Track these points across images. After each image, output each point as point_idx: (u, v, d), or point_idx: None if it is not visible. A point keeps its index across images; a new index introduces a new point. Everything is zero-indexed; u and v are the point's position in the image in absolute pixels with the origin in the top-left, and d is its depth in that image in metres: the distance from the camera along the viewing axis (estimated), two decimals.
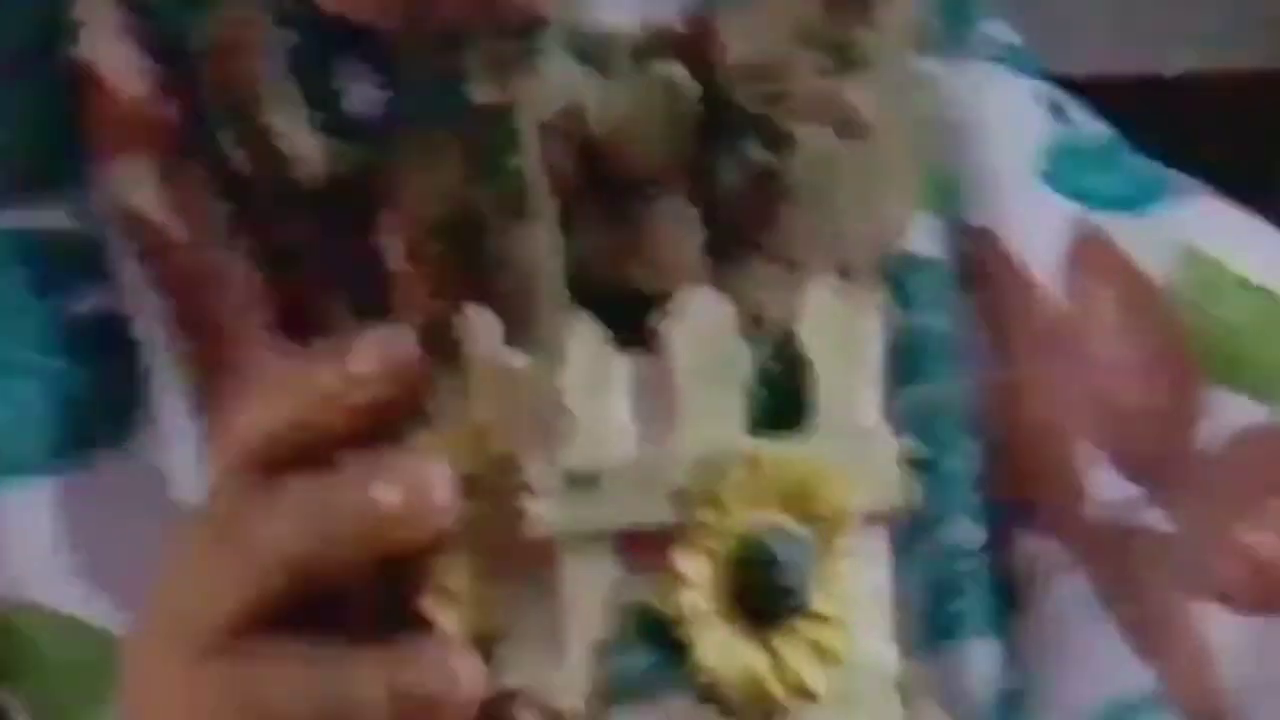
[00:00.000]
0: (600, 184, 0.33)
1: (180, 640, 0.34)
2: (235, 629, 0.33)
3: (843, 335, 0.33)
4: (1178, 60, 1.75)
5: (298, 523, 0.33)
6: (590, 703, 0.31)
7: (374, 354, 0.33)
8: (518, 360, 0.32)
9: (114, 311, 0.45)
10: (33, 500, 0.44)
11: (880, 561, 0.34)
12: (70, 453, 0.44)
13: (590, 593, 0.32)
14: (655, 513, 0.32)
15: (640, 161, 0.33)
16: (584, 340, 0.32)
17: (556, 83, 0.33)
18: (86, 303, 0.45)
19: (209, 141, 0.35)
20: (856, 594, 0.33)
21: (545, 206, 0.32)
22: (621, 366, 0.32)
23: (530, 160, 0.32)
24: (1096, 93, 0.54)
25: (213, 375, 0.44)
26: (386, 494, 0.32)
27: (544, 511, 0.31)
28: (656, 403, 0.32)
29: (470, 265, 0.32)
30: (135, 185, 0.44)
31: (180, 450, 0.44)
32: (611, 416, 0.32)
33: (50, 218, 0.45)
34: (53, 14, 0.46)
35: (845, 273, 0.34)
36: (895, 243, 0.35)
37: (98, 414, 0.45)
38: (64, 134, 0.46)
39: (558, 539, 0.32)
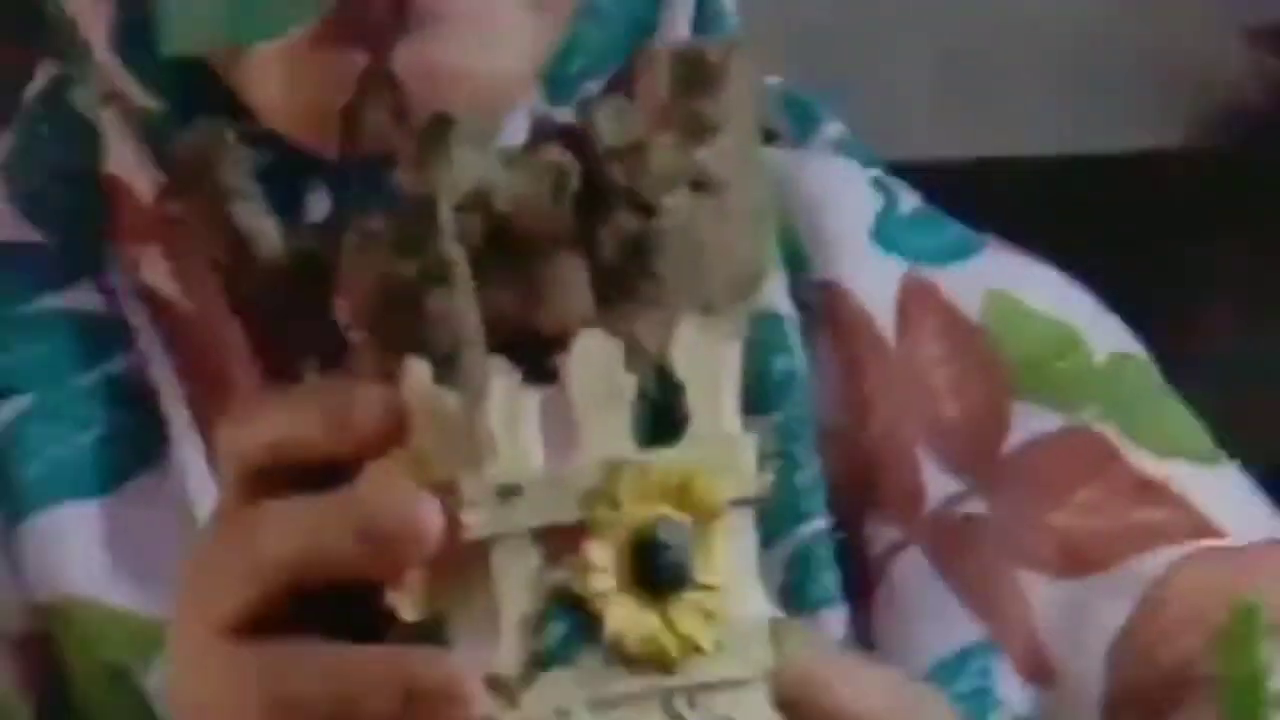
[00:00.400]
0: (505, 250, 0.42)
1: (201, 627, 0.42)
2: (243, 619, 0.41)
3: (707, 360, 0.41)
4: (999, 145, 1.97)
5: (289, 534, 0.41)
6: (522, 668, 0.40)
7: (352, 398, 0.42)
8: (449, 399, 0.40)
9: (139, 369, 0.58)
10: (85, 517, 0.57)
11: (748, 536, 0.42)
12: (112, 480, 0.58)
13: (518, 580, 0.40)
14: (566, 512, 0.40)
15: (537, 230, 0.42)
16: (501, 379, 0.40)
17: (467, 171, 0.42)
18: (118, 365, 0.59)
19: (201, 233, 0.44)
20: (731, 565, 0.41)
21: (462, 272, 0.41)
22: (532, 398, 0.41)
23: (448, 236, 0.41)
24: (920, 173, 0.68)
25: (214, 415, 0.55)
26: (381, 518, 0.41)
27: (477, 519, 0.40)
28: (562, 426, 0.41)
29: (405, 325, 0.41)
30: (150, 268, 0.58)
31: (195, 473, 0.56)
32: (527, 438, 0.40)
33: (86, 299, 0.59)
34: (90, 140, 0.59)
35: (708, 309, 0.42)
36: (752, 280, 0.44)
37: (132, 450, 0.58)
38: (96, 231, 0.59)
39: (490, 539, 0.40)
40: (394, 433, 0.41)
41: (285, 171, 0.53)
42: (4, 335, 0.59)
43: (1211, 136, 2.04)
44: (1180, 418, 0.63)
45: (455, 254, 0.41)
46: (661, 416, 0.42)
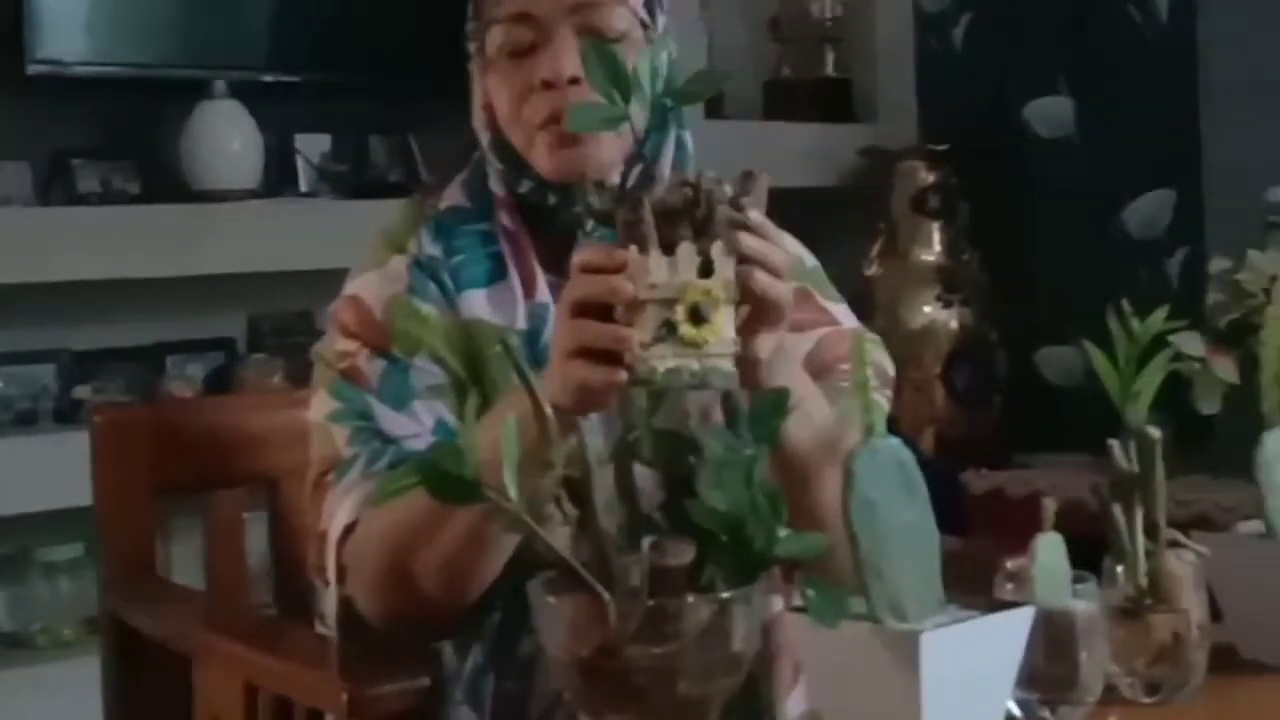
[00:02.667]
0: (666, 215, 1.11)
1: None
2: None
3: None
4: None
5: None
6: (651, 340, 1.05)
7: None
8: (645, 259, 1.07)
9: (501, 250, 1.45)
10: (479, 295, 1.42)
11: (730, 316, 1.09)
12: (487, 283, 1.43)
13: (655, 312, 1.07)
14: (674, 291, 1.05)
15: (676, 208, 1.13)
16: (656, 253, 1.08)
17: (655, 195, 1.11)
18: (495, 248, 1.46)
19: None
20: (722, 320, 1.06)
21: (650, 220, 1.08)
22: (662, 259, 1.07)
23: (649, 209, 1.09)
24: None
25: (524, 268, 1.43)
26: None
27: (647, 293, 1.06)
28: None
29: (642, 233, 1.07)
30: (506, 218, 1.46)
31: (517, 283, 1.42)
32: (669, 266, 1.06)
33: (484, 226, 1.46)
34: (484, 177, 1.49)
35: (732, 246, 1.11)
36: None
37: (497, 273, 1.44)
38: (488, 203, 1.46)
39: (648, 300, 1.06)
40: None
41: (542, 187, 1.41)
42: (460, 240, 1.43)
43: None
44: (832, 286, 1.49)
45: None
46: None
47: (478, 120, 1.44)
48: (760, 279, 1.12)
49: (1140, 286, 3.37)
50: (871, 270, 3.49)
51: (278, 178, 3.08)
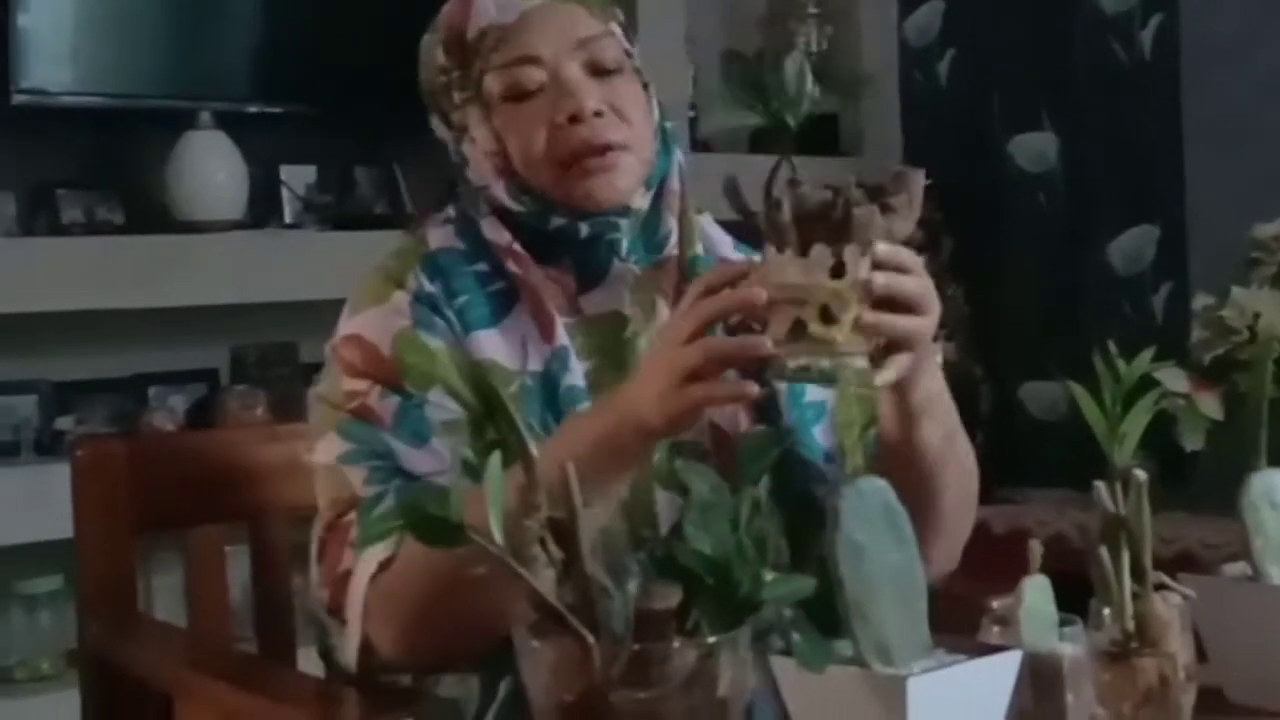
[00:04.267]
0: (809, 216, 1.13)
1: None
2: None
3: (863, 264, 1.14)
4: None
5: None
6: (785, 339, 1.09)
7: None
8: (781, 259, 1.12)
9: (501, 287, 1.43)
10: (490, 334, 1.40)
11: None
12: (495, 322, 1.42)
13: (785, 312, 1.11)
14: (807, 294, 1.09)
15: (821, 210, 1.14)
16: (787, 253, 1.12)
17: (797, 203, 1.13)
18: (496, 286, 1.44)
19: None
20: (848, 323, 1.10)
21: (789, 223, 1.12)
22: (796, 260, 1.11)
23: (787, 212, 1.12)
24: None
25: (534, 305, 1.42)
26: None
27: (777, 293, 1.11)
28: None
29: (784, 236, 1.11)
30: (506, 259, 1.43)
31: (529, 318, 1.41)
32: (804, 268, 1.10)
33: (481, 266, 1.44)
34: (474, 221, 1.48)
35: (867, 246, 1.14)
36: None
37: (503, 311, 1.42)
38: (481, 247, 1.45)
39: (780, 301, 1.11)
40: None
41: (575, 221, 1.41)
42: (459, 281, 1.41)
43: None
44: None
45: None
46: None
47: (484, 168, 1.42)
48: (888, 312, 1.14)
49: (1124, 322, 3.38)
50: None
51: (262, 209, 3.08)
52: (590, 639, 0.87)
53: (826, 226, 1.08)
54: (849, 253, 1.08)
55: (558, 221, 1.40)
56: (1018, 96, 3.60)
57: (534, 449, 0.92)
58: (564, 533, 0.89)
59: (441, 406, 1.34)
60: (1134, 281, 3.46)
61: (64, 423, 2.84)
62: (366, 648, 1.32)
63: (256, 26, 3.07)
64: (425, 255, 1.42)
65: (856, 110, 3.82)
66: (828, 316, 1.07)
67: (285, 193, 3.15)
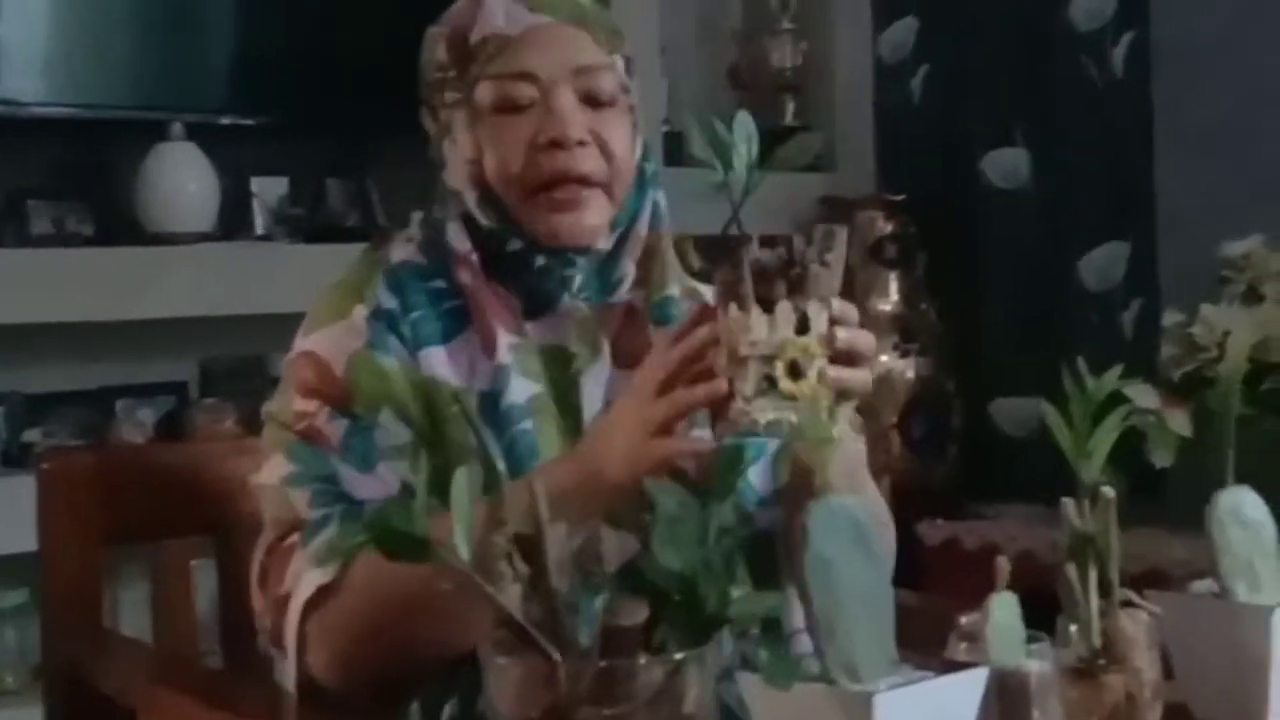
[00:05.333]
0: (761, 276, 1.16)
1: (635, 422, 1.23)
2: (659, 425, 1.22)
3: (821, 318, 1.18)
4: None
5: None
6: (753, 393, 1.13)
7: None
8: (745, 318, 1.15)
9: (458, 305, 1.44)
10: (438, 352, 1.40)
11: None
12: (445, 340, 1.41)
13: (755, 367, 1.14)
14: (772, 349, 1.14)
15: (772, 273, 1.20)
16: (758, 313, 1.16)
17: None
18: (452, 303, 1.43)
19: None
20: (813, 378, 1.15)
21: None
22: (763, 319, 1.15)
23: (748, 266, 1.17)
24: None
25: (482, 320, 1.42)
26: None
27: (749, 349, 1.14)
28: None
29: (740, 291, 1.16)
30: (463, 270, 1.43)
31: (482, 337, 1.40)
32: (766, 326, 1.15)
33: (440, 282, 1.44)
34: (441, 228, 1.46)
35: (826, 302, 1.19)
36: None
37: (454, 328, 1.42)
38: (443, 258, 1.44)
39: (749, 357, 1.13)
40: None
41: (530, 246, 1.41)
42: (414, 296, 1.39)
43: None
44: None
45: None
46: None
47: (459, 173, 1.41)
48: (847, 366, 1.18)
49: (1094, 338, 3.39)
50: None
51: (233, 221, 3.07)
52: (556, 655, 0.86)
53: (782, 283, 1.12)
54: (813, 308, 1.12)
55: (515, 245, 1.40)
56: (991, 113, 3.61)
57: (499, 464, 0.92)
58: (531, 549, 0.89)
59: (390, 430, 1.33)
60: (1105, 298, 3.48)
61: (32, 435, 2.82)
62: (304, 675, 1.31)
63: (229, 38, 3.06)
64: (388, 269, 1.42)
65: (831, 126, 3.82)
66: (795, 371, 1.11)
67: (256, 205, 3.13)
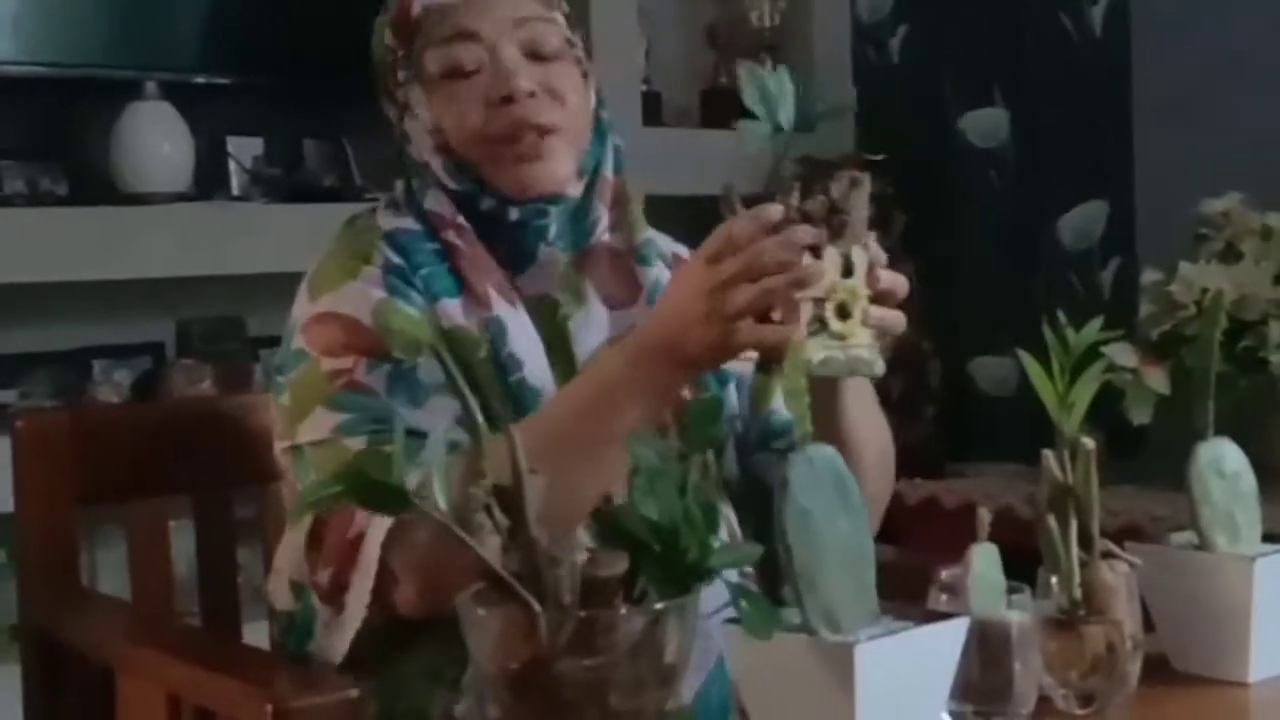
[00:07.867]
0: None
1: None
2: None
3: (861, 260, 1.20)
4: None
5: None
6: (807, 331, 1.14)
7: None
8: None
9: (453, 263, 1.45)
10: (453, 302, 1.41)
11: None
12: (449, 294, 1.43)
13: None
14: (826, 290, 1.17)
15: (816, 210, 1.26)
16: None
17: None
18: (445, 260, 1.46)
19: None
20: (857, 320, 1.17)
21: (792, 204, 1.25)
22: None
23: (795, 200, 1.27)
24: None
25: (471, 279, 1.44)
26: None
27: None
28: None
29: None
30: (444, 230, 1.44)
31: (482, 291, 1.42)
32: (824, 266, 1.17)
33: (432, 244, 1.44)
34: (419, 195, 1.48)
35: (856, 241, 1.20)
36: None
37: (454, 284, 1.44)
38: (424, 219, 1.46)
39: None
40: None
41: (504, 203, 1.43)
42: (418, 256, 1.41)
43: None
44: None
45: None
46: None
47: (423, 144, 1.43)
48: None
49: (1073, 297, 3.39)
50: None
51: (209, 181, 3.05)
52: (536, 606, 0.86)
53: (825, 229, 1.18)
54: (857, 253, 1.15)
55: (488, 203, 1.42)
56: (969, 73, 3.61)
57: (479, 416, 0.92)
58: (510, 500, 0.88)
59: (430, 370, 1.30)
60: (1083, 257, 3.48)
61: (7, 396, 2.81)
62: (377, 616, 1.28)
63: None
64: (386, 234, 1.43)
65: (808, 87, 3.80)
66: (843, 312, 1.14)
67: (232, 165, 3.11)
